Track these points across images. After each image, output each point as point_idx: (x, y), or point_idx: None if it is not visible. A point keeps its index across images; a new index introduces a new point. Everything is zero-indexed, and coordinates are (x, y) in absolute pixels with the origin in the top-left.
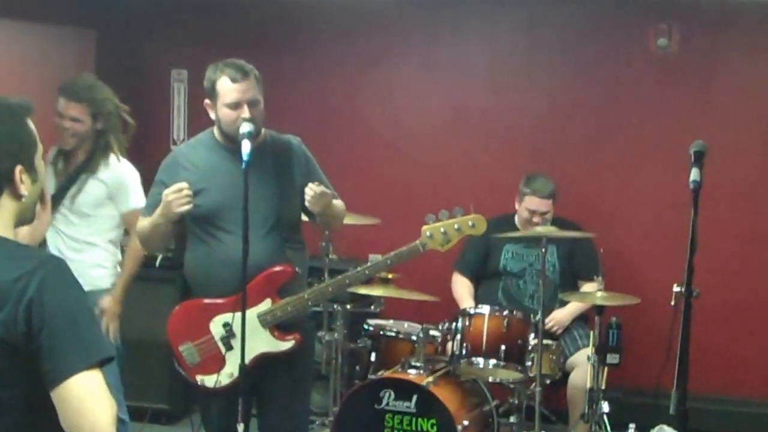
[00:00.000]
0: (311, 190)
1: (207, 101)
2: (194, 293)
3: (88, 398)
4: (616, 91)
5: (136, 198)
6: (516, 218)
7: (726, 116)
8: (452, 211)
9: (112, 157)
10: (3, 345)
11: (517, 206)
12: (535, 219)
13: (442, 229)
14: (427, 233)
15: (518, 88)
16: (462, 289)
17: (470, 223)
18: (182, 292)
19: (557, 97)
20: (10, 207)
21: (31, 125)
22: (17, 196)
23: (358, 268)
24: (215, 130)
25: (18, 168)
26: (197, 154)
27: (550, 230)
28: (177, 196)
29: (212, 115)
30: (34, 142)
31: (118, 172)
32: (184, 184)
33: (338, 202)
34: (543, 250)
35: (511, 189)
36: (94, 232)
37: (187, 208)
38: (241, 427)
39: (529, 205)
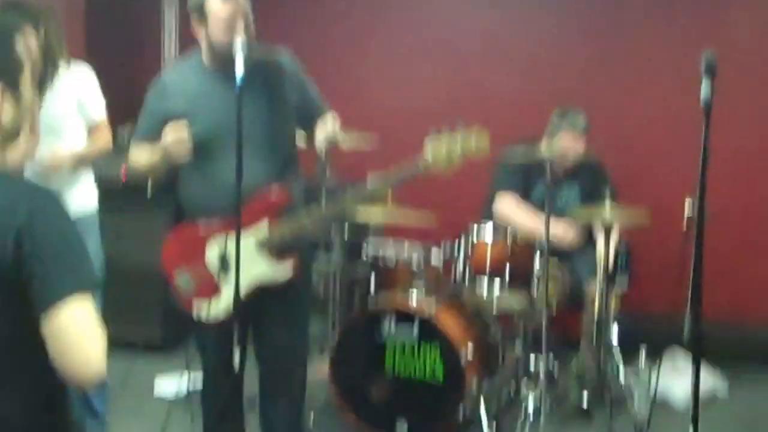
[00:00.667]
0: (323, 132)
1: (195, 22)
2: (189, 217)
3: (79, 325)
4: (621, 5)
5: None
6: (542, 151)
7: (738, 28)
8: (454, 126)
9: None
10: None
11: (545, 140)
12: (570, 156)
13: (444, 151)
14: (429, 155)
15: (520, 7)
16: (512, 206)
17: (473, 143)
18: (175, 216)
19: (561, 14)
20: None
21: (20, 46)
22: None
23: (357, 187)
24: (203, 52)
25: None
26: (185, 79)
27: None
28: (178, 147)
29: (200, 37)
30: (21, 66)
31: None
32: (183, 135)
33: (338, 126)
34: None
35: (513, 108)
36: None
37: (188, 158)
38: (237, 352)
39: (564, 140)
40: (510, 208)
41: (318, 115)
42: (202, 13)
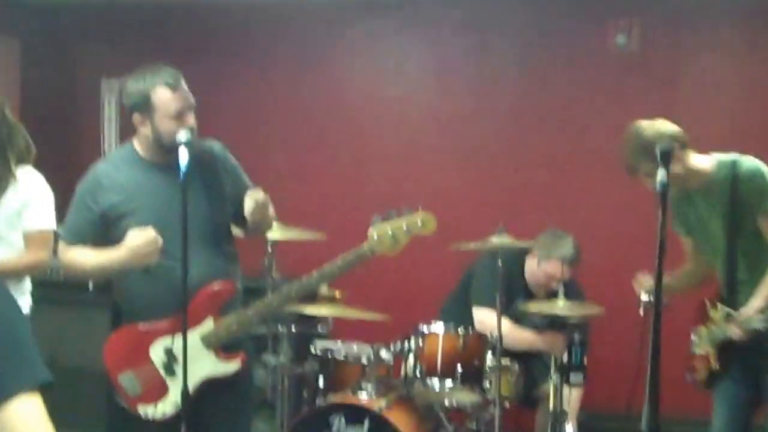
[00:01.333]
0: (253, 200)
1: (137, 115)
2: (129, 317)
3: (29, 423)
4: (573, 94)
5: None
6: (526, 270)
7: (691, 116)
8: (399, 211)
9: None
10: None
11: (530, 260)
12: (553, 285)
13: (390, 231)
14: (375, 236)
15: (469, 93)
16: (504, 325)
17: (419, 223)
18: (113, 317)
19: (511, 101)
20: None
21: None
22: None
23: (304, 278)
24: (137, 145)
25: None
26: (120, 173)
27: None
28: (151, 249)
29: (144, 130)
30: None
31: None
32: (154, 236)
33: (271, 209)
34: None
35: (465, 199)
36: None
37: (154, 260)
38: None
39: (552, 270)
40: (495, 325)
41: None
42: (147, 105)
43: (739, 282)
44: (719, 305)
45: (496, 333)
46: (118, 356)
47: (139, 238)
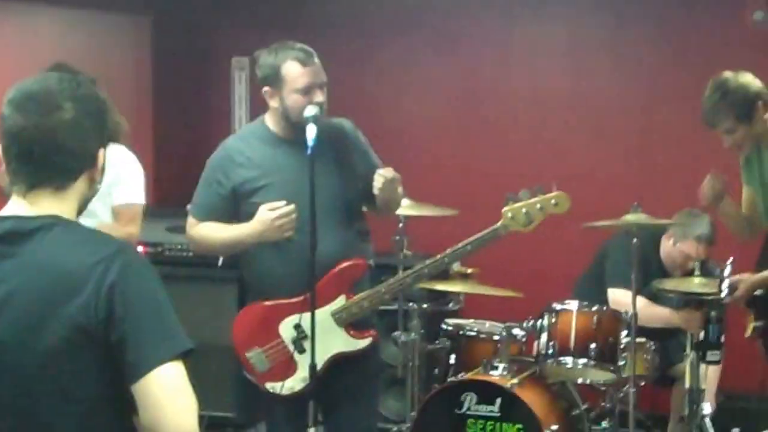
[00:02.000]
0: (382, 176)
1: (267, 89)
2: (257, 294)
3: (174, 391)
4: (709, 71)
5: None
6: (661, 249)
7: None
8: (533, 190)
9: None
10: (81, 331)
11: (666, 240)
12: (690, 264)
13: (524, 210)
14: (509, 214)
15: (603, 71)
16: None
17: (553, 202)
18: (240, 293)
19: (646, 78)
20: (82, 192)
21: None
22: (93, 181)
23: (437, 257)
24: (268, 120)
25: (102, 151)
26: (251, 148)
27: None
28: (286, 220)
29: (274, 104)
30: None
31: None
32: (291, 208)
33: (401, 189)
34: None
35: (599, 178)
36: None
37: (291, 233)
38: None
39: (688, 250)
40: (629, 303)
41: None
42: (277, 78)
43: None
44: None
45: (631, 311)
46: (247, 333)
47: (274, 212)
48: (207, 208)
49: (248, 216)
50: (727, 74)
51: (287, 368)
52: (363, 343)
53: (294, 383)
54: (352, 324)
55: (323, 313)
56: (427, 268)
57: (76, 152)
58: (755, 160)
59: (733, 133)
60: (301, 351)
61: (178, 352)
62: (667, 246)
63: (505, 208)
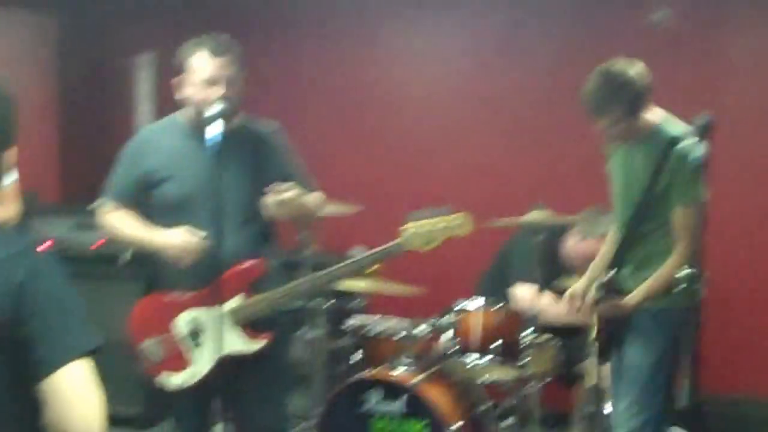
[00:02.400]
0: (271, 201)
1: (177, 78)
2: (161, 287)
3: (79, 389)
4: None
5: None
6: (565, 247)
7: (730, 91)
8: (437, 210)
9: None
10: None
11: (571, 238)
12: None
13: (424, 229)
14: (407, 233)
15: (504, 68)
16: (536, 299)
17: (456, 222)
18: (147, 284)
19: (547, 76)
20: None
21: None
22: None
23: (333, 268)
24: (183, 112)
25: (6, 153)
26: (165, 138)
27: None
28: (187, 254)
29: (182, 94)
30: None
31: None
32: (203, 244)
33: (313, 198)
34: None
35: (501, 176)
36: None
37: (185, 264)
38: (219, 428)
39: (594, 247)
40: (532, 300)
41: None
42: (186, 68)
43: (629, 258)
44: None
45: (534, 307)
46: (144, 323)
47: (182, 241)
48: (118, 193)
49: (155, 206)
50: (619, 64)
51: (179, 362)
52: (258, 344)
53: (184, 378)
54: (249, 324)
55: (218, 312)
56: (323, 279)
57: None
58: (621, 151)
59: (616, 125)
60: (195, 346)
61: (87, 350)
62: (572, 243)
63: (404, 227)
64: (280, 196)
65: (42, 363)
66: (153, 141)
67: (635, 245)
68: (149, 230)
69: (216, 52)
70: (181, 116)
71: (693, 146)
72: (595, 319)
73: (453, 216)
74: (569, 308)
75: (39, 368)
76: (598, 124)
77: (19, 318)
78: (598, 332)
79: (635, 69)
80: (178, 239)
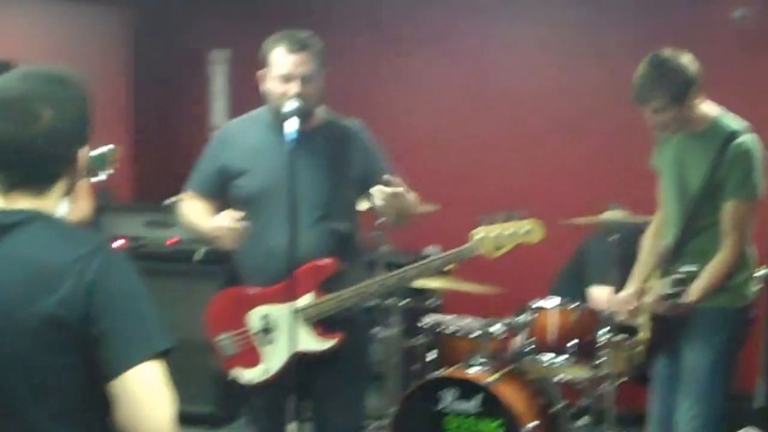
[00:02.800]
0: (381, 192)
1: (260, 72)
2: (237, 282)
3: (151, 390)
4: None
5: None
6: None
7: None
8: (508, 215)
9: None
10: (60, 326)
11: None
12: None
13: (495, 233)
14: (478, 237)
15: (583, 68)
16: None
17: (526, 229)
18: (229, 279)
19: (625, 74)
20: (62, 190)
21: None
22: (74, 178)
23: (402, 269)
24: (268, 106)
25: (82, 150)
26: (248, 132)
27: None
28: (227, 237)
29: (262, 89)
30: (91, 120)
31: None
32: (239, 224)
33: (413, 196)
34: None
35: (575, 173)
36: None
37: (232, 247)
38: (291, 427)
39: None
40: (608, 301)
41: None
42: (266, 63)
43: (687, 253)
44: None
45: (610, 308)
46: (219, 317)
47: (224, 224)
48: (198, 184)
49: (236, 200)
50: (667, 53)
51: (251, 357)
52: (326, 343)
53: (255, 374)
54: (320, 323)
55: (290, 309)
56: (393, 281)
57: (54, 159)
58: (673, 144)
59: (662, 113)
60: (266, 342)
61: (157, 351)
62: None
63: (475, 231)
64: (391, 190)
65: (112, 362)
66: (236, 134)
67: (692, 240)
68: (199, 216)
69: (292, 49)
70: (264, 111)
71: (752, 141)
72: (646, 319)
73: (523, 222)
74: (621, 311)
75: (109, 368)
76: (644, 111)
77: (90, 317)
78: (651, 331)
79: (683, 58)
80: (219, 223)
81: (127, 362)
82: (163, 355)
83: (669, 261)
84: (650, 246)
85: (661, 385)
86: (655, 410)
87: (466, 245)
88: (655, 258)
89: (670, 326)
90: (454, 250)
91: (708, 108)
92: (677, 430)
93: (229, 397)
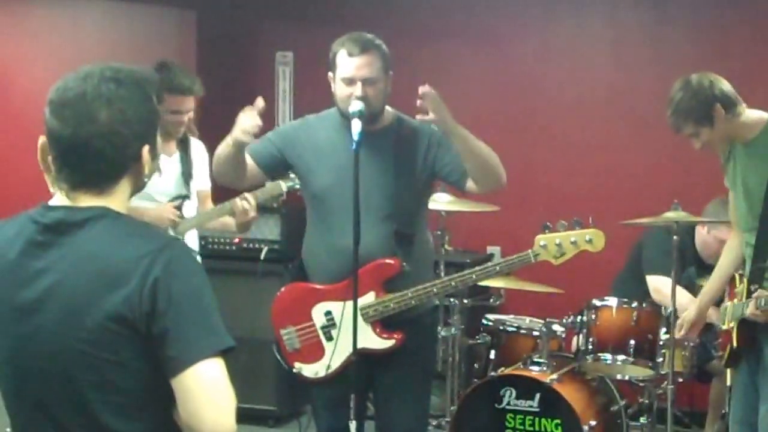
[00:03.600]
0: (421, 92)
1: (330, 74)
2: (306, 275)
3: (213, 387)
4: (752, 62)
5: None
6: (696, 239)
7: None
8: (570, 222)
9: None
10: (124, 323)
11: (700, 230)
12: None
13: (557, 241)
14: (541, 243)
15: (644, 66)
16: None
17: (587, 238)
18: (295, 273)
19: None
20: (129, 187)
21: (154, 97)
22: (139, 176)
23: (464, 272)
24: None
25: (146, 148)
26: (319, 129)
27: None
28: (249, 123)
29: (333, 89)
30: (159, 116)
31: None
32: (256, 120)
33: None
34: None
35: (635, 172)
36: None
37: (247, 138)
38: (353, 425)
39: (722, 235)
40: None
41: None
42: (333, 65)
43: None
44: (744, 279)
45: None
46: (284, 311)
47: (242, 122)
48: (256, 148)
49: (307, 197)
50: (691, 77)
51: (315, 352)
52: (387, 343)
53: (318, 368)
54: (381, 322)
55: (352, 306)
56: (455, 282)
57: (113, 159)
58: (731, 160)
59: (697, 137)
60: (329, 338)
61: (219, 350)
62: (702, 235)
63: (539, 236)
64: (427, 90)
65: (173, 360)
66: (309, 130)
67: None
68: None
69: (354, 52)
70: (334, 112)
71: None
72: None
73: (586, 231)
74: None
75: (171, 365)
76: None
77: (154, 314)
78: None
79: (705, 79)
80: (240, 123)
81: (189, 360)
82: (224, 353)
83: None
84: (726, 264)
85: (744, 392)
86: (737, 414)
87: (530, 251)
88: (727, 275)
89: (757, 332)
90: (515, 256)
91: (756, 114)
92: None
93: (291, 395)
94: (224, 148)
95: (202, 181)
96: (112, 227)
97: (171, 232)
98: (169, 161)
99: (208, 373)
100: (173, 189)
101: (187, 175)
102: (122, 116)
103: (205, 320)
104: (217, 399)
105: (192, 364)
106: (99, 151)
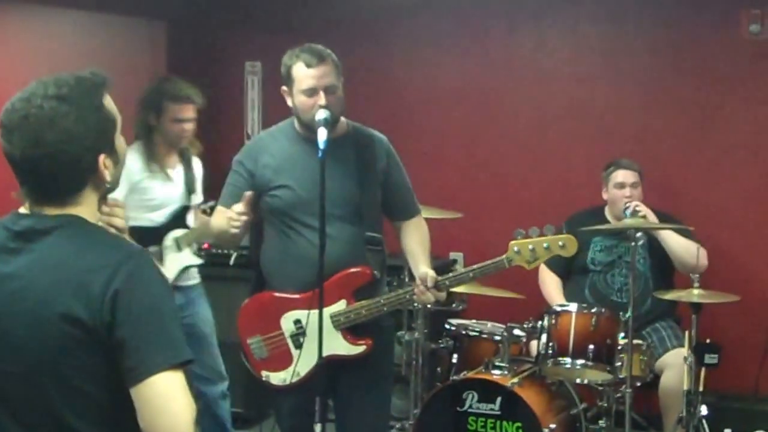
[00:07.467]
0: (420, 287)
1: (284, 88)
2: (268, 286)
3: (170, 398)
4: (704, 83)
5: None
6: (606, 210)
7: None
8: (543, 229)
9: None
10: (84, 331)
11: (605, 195)
12: (626, 192)
13: (530, 246)
14: (515, 248)
15: (605, 80)
16: (551, 286)
17: (560, 243)
18: (255, 285)
19: (646, 87)
20: (95, 195)
21: (109, 101)
22: (102, 183)
23: (439, 278)
24: (294, 119)
25: (101, 157)
26: (277, 144)
27: (639, 222)
28: (238, 220)
29: (289, 103)
30: (113, 122)
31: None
32: (240, 208)
33: (425, 234)
34: (632, 243)
35: (598, 184)
36: None
37: (235, 231)
38: (318, 428)
39: (617, 178)
40: (543, 286)
41: (404, 212)
42: (289, 78)
43: None
44: None
45: (546, 291)
46: (251, 320)
47: (226, 216)
48: (231, 195)
49: (269, 209)
50: None
51: (283, 360)
52: (356, 349)
53: (286, 375)
54: (349, 329)
55: (321, 315)
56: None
57: (67, 176)
58: None
59: None
60: (298, 346)
61: (175, 363)
62: (606, 196)
63: (512, 243)
64: (429, 283)
65: (132, 371)
66: (267, 146)
67: None
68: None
69: (312, 63)
70: (289, 124)
71: None
72: None
73: (559, 237)
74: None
75: (129, 375)
76: None
77: (114, 324)
78: None
79: None
80: (223, 215)
81: (146, 371)
82: (182, 366)
83: None
84: None
85: None
86: None
87: (504, 257)
88: None
89: None
90: (491, 261)
91: None
92: None
93: (257, 397)
94: (218, 228)
95: (198, 197)
96: (78, 236)
97: (185, 246)
98: (174, 173)
99: (164, 385)
100: (179, 199)
101: (190, 188)
102: (67, 135)
103: (164, 333)
104: (173, 409)
105: (149, 376)
106: (50, 172)
